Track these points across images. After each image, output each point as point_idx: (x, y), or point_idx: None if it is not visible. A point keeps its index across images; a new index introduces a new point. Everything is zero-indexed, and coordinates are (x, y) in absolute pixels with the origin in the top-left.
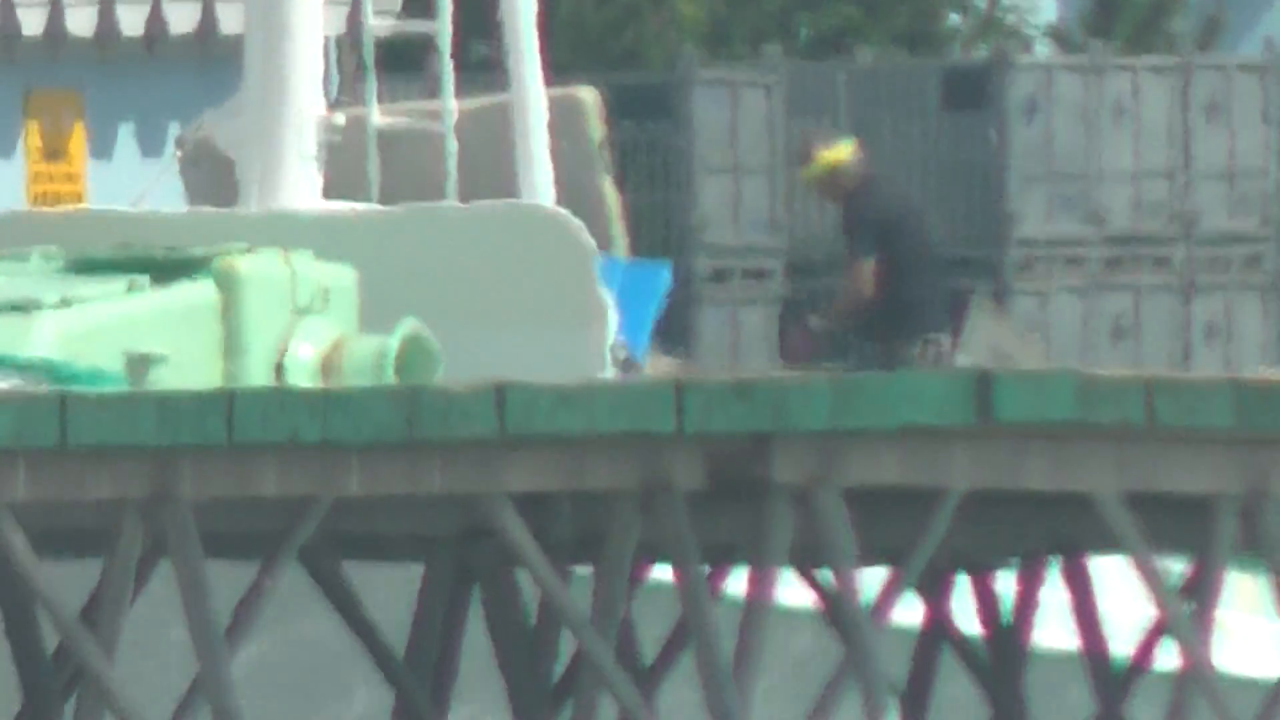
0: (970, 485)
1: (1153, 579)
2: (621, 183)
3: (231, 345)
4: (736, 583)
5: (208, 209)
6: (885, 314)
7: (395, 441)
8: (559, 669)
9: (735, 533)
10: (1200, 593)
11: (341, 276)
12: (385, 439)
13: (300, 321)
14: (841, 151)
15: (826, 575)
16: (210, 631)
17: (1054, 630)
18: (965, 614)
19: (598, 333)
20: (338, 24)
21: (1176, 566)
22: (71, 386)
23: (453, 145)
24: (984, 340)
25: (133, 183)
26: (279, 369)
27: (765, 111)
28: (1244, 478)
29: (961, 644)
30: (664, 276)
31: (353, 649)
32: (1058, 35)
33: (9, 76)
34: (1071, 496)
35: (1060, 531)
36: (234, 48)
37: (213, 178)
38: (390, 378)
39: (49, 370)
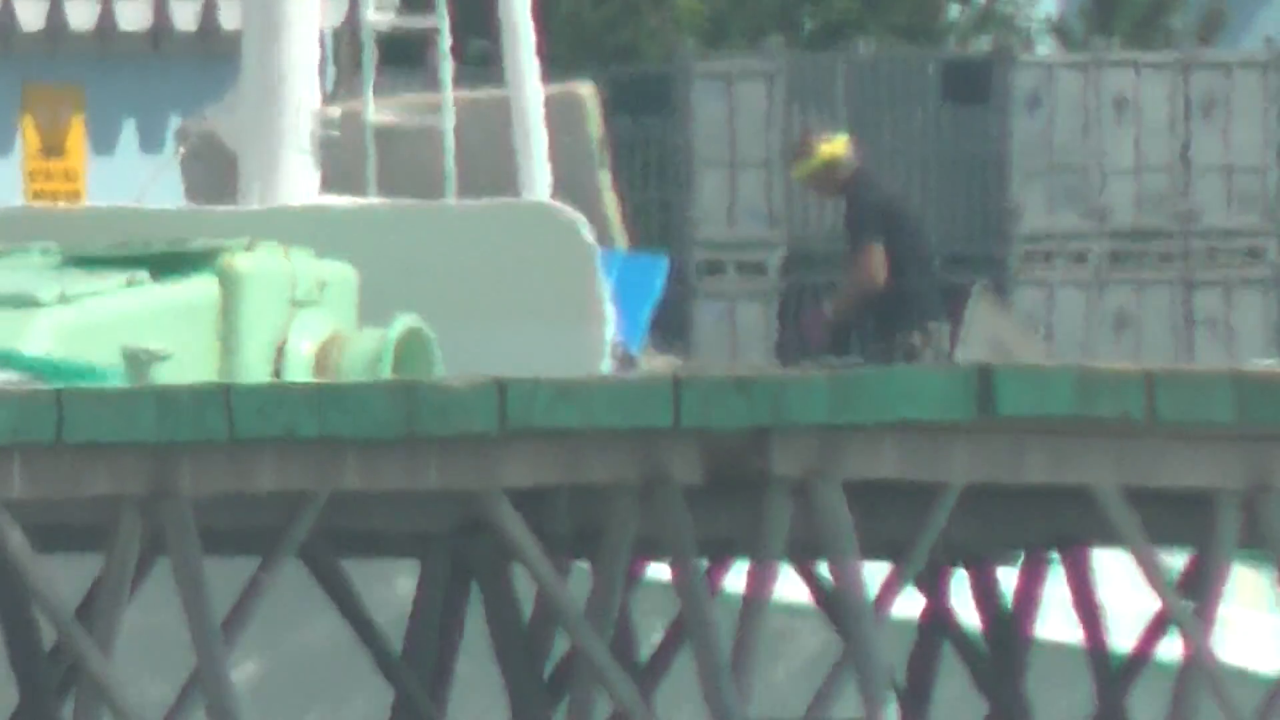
0: (970, 479)
1: (1154, 573)
2: (619, 177)
3: (230, 341)
4: (735, 579)
5: (206, 206)
6: (885, 304)
7: (393, 436)
8: (558, 665)
9: (733, 527)
10: (1202, 587)
11: (340, 272)
12: (383, 434)
13: (299, 316)
14: (838, 145)
15: (824, 571)
16: (208, 628)
17: (1053, 623)
18: (965, 611)
19: (598, 328)
20: (336, 15)
21: (1178, 561)
22: (70, 383)
23: (452, 142)
24: (983, 332)
25: (133, 179)
26: (277, 364)
27: (764, 104)
28: (1245, 472)
29: (961, 638)
30: (661, 269)
31: (351, 647)
32: (1059, 30)
33: (6, 71)
34: (1072, 491)
35: (1060, 526)
36: (236, 44)
37: (214, 172)
38: (388, 373)
39: (48, 367)
